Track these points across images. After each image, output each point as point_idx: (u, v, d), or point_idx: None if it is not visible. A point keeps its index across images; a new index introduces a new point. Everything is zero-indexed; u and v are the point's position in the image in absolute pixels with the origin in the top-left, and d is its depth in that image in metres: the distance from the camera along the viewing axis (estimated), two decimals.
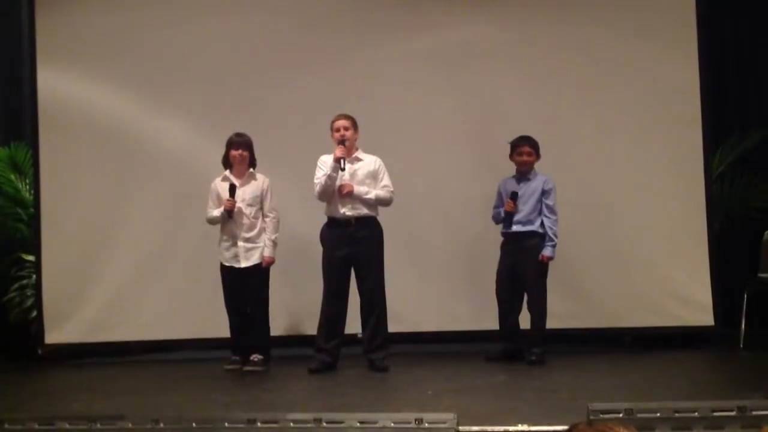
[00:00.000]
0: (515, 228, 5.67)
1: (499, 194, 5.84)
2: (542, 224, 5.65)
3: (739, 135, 6.74)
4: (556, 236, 5.63)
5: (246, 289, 5.68)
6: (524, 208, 5.66)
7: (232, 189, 5.61)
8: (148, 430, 3.56)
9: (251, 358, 5.65)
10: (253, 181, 5.74)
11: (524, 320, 5.75)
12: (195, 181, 6.11)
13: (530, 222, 5.66)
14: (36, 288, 6.43)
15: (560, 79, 6.36)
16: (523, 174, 5.76)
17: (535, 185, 5.70)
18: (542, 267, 5.64)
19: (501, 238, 5.80)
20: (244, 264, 5.65)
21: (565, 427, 1.71)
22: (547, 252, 5.62)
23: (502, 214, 5.73)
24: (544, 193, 5.67)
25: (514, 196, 5.65)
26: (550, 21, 6.39)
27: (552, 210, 5.66)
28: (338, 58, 6.44)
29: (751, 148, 6.66)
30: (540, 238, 5.64)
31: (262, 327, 5.73)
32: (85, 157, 6.45)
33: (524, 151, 5.73)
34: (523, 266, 5.65)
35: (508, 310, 5.73)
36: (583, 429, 1.62)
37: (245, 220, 5.66)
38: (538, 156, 5.76)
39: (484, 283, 5.90)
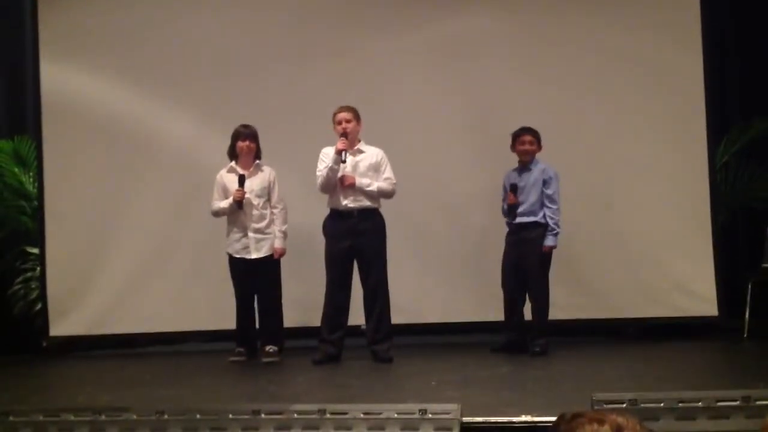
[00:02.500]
0: (520, 219, 5.66)
1: (504, 188, 5.83)
2: (545, 215, 5.65)
3: (743, 125, 6.71)
4: (558, 225, 5.61)
5: (256, 281, 5.69)
6: (527, 199, 5.65)
7: (242, 179, 5.60)
8: (153, 421, 3.57)
9: (267, 349, 5.65)
10: (260, 173, 5.73)
11: (529, 311, 5.74)
12: (199, 174, 6.12)
13: (533, 213, 5.64)
14: (40, 281, 6.46)
15: (563, 71, 6.35)
16: (525, 164, 5.74)
17: (536, 175, 5.68)
18: (544, 257, 5.63)
19: (504, 229, 5.79)
20: (254, 255, 5.64)
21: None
22: (548, 241, 5.61)
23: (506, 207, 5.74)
24: (545, 182, 5.65)
25: (513, 188, 5.64)
26: (553, 12, 6.38)
27: (552, 199, 5.63)
28: (340, 51, 6.43)
29: (756, 139, 6.62)
30: (543, 229, 5.62)
31: (276, 317, 5.75)
32: (89, 149, 6.47)
33: (526, 140, 5.71)
34: (525, 257, 5.64)
35: (513, 301, 5.73)
36: (572, 418, 1.60)
37: (254, 211, 5.65)
38: (539, 146, 5.74)
39: (487, 274, 5.90)
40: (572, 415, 1.60)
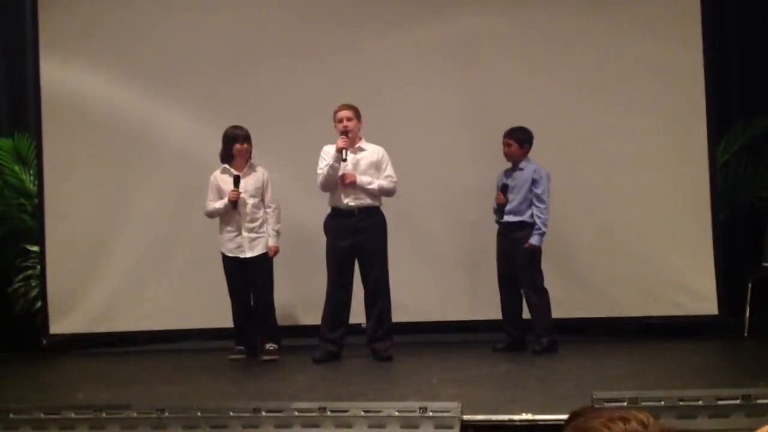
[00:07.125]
0: (507, 218, 5.66)
1: (497, 188, 5.83)
2: (533, 214, 5.63)
3: (744, 123, 6.70)
4: (544, 225, 5.56)
5: (250, 279, 5.69)
6: (515, 199, 5.63)
7: (237, 180, 5.60)
8: (154, 419, 3.57)
9: (266, 347, 5.65)
10: (253, 173, 5.73)
11: (526, 310, 5.74)
12: (198, 172, 6.10)
13: (520, 212, 5.61)
14: (40, 279, 6.46)
15: (563, 69, 6.33)
16: (514, 164, 5.73)
17: (526, 175, 5.66)
18: (533, 256, 5.60)
19: None
20: (248, 254, 5.65)
21: (565, 416, 1.61)
22: (533, 240, 5.56)
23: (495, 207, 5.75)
24: (534, 182, 5.62)
25: (504, 188, 5.64)
26: (553, 11, 6.36)
27: (540, 198, 5.60)
28: (340, 48, 6.42)
29: (757, 137, 6.62)
30: (530, 228, 5.59)
31: (270, 315, 5.75)
32: (89, 147, 6.46)
33: (505, 142, 5.71)
34: (515, 256, 5.63)
35: (507, 300, 5.74)
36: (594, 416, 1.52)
37: (248, 211, 5.66)
38: (521, 146, 5.68)
39: (488, 273, 5.89)
40: (593, 414, 1.51)
